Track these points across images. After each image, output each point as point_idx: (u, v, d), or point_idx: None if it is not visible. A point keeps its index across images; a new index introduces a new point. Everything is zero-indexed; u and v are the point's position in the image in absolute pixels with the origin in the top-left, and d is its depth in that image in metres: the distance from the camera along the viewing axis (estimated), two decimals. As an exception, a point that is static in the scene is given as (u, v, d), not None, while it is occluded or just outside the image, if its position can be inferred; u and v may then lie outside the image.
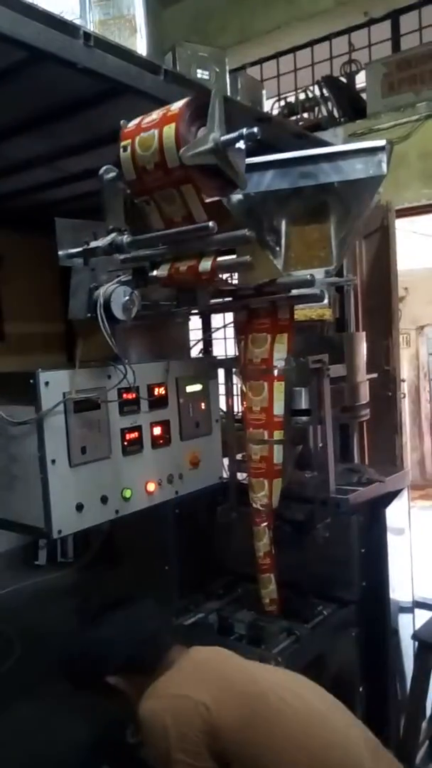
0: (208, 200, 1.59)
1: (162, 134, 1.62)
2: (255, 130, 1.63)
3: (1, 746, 2.77)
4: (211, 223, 1.53)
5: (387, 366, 3.03)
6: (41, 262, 5.19)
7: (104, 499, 1.82)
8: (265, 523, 2.03)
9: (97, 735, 2.77)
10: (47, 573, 4.88)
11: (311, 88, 4.03)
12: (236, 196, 2.15)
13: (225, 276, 1.75)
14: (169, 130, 1.62)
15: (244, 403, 2.09)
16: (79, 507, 1.75)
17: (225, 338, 4.63)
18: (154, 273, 1.79)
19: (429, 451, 8.20)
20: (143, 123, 1.69)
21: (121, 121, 1.77)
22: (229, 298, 2.08)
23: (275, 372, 1.98)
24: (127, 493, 1.89)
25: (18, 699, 3.13)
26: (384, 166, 2.17)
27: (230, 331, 4.54)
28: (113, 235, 1.68)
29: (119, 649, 1.48)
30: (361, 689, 2.08)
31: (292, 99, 4.15)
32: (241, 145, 1.64)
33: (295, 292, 1.95)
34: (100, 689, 1.50)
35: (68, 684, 1.59)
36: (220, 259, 1.69)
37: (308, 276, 1.88)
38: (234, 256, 1.89)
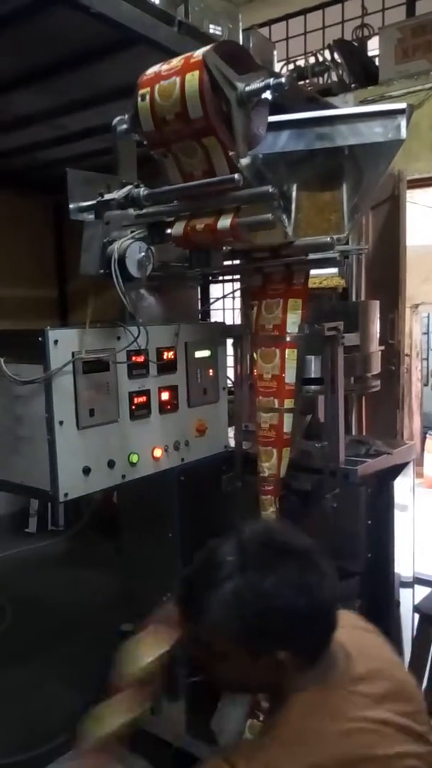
0: (232, 154, 1.52)
1: (184, 82, 1.54)
2: (283, 79, 1.56)
3: (-4, 712, 2.76)
4: (237, 176, 1.46)
5: (392, 340, 2.99)
6: (37, 224, 5.11)
7: (111, 464, 1.78)
8: (271, 493, 2.00)
9: (91, 701, 2.77)
10: (38, 541, 4.86)
11: (322, 52, 3.92)
12: (245, 160, 2.08)
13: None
14: (192, 78, 1.53)
15: (254, 370, 2.04)
16: (86, 470, 1.70)
17: (224, 309, 4.57)
18: (170, 231, 1.72)
19: (418, 430, 8.25)
20: (163, 71, 1.60)
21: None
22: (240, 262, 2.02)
23: (288, 339, 1.93)
24: (134, 458, 1.84)
25: (11, 665, 3.12)
26: (403, 130, 2.10)
27: (229, 303, 4.49)
28: (129, 187, 1.61)
29: (308, 627, 1.08)
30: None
31: (301, 63, 4.04)
32: (267, 95, 1.57)
33: (311, 256, 1.89)
34: (254, 658, 1.08)
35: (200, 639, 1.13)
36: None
37: (327, 239, 1.82)
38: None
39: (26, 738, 2.58)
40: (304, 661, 1.09)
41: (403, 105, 2.14)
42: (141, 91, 1.61)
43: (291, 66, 4.10)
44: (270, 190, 1.57)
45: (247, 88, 1.57)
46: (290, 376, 1.95)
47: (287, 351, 1.94)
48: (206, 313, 4.18)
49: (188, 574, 1.17)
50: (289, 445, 1.99)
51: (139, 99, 1.60)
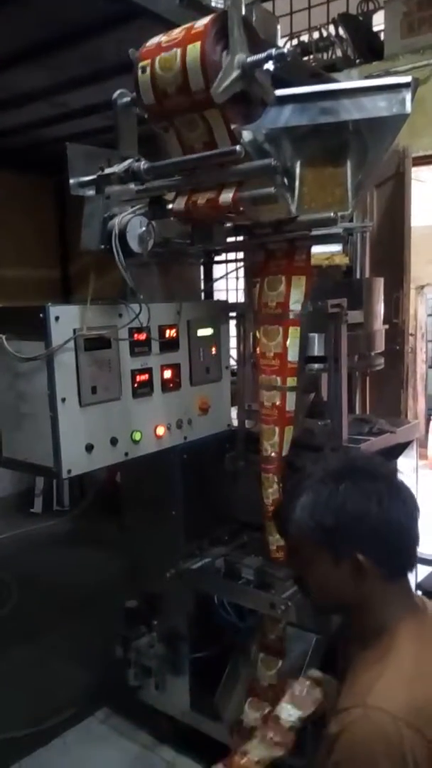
0: (234, 126, 1.49)
1: (185, 54, 1.51)
2: (285, 50, 1.53)
3: (2, 689, 2.80)
4: (238, 147, 1.44)
5: (396, 319, 2.97)
6: (39, 204, 5.09)
7: (114, 441, 1.78)
8: (273, 472, 2.00)
9: (97, 677, 2.81)
10: (43, 521, 4.90)
11: (326, 26, 3.85)
12: (247, 134, 2.05)
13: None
14: (194, 49, 1.50)
15: (257, 349, 2.03)
16: (89, 447, 1.70)
17: (227, 289, 4.55)
18: (171, 206, 1.70)
19: (422, 412, 8.23)
20: (164, 42, 1.57)
21: (130, 50, 1.63)
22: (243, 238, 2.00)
23: (291, 316, 1.92)
24: (137, 436, 1.84)
25: (17, 643, 3.16)
26: (408, 104, 2.06)
27: (232, 283, 4.47)
28: (129, 161, 1.59)
29: (390, 532, 1.14)
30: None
31: (305, 38, 3.97)
32: (269, 66, 1.54)
33: (315, 232, 1.87)
34: (336, 560, 1.14)
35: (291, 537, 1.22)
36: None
37: (331, 214, 1.80)
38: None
39: (33, 712, 2.62)
40: (386, 572, 1.15)
41: (408, 78, 2.10)
42: (141, 63, 1.59)
43: (295, 41, 4.03)
44: (272, 163, 1.55)
45: (249, 59, 1.54)
46: (293, 354, 1.93)
47: (290, 329, 1.93)
48: (209, 293, 4.17)
49: (285, 488, 1.33)
50: (292, 424, 1.98)
51: (140, 71, 1.57)
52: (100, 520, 4.48)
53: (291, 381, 1.96)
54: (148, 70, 1.56)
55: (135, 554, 2.44)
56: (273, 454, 1.99)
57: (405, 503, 1.18)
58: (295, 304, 1.91)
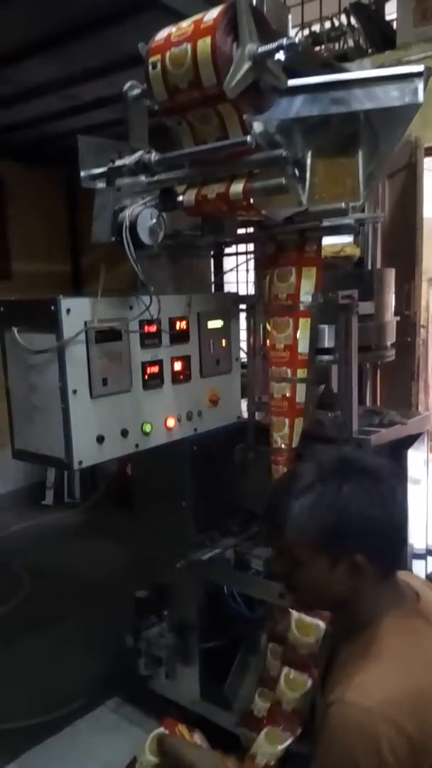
0: (246, 117, 1.49)
1: (196, 49, 1.49)
2: (296, 40, 1.52)
3: (14, 678, 2.84)
4: (249, 138, 1.44)
5: (407, 311, 2.96)
6: (50, 198, 5.11)
7: (124, 433, 1.78)
8: (283, 463, 2.00)
9: (108, 667, 2.83)
10: (54, 513, 4.94)
11: (337, 16, 3.82)
12: (258, 125, 2.04)
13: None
14: (204, 44, 1.49)
15: (267, 341, 2.03)
16: (100, 439, 1.71)
17: (237, 282, 4.54)
18: (182, 198, 1.70)
19: (434, 405, 8.19)
20: (173, 37, 1.56)
21: (140, 45, 1.62)
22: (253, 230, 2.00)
23: (301, 308, 1.91)
24: (147, 428, 1.85)
25: (29, 633, 3.20)
26: (421, 93, 2.05)
27: (242, 275, 4.46)
28: (140, 152, 1.59)
29: (385, 532, 1.15)
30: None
31: (317, 28, 3.93)
32: (280, 56, 1.53)
33: (326, 223, 1.86)
34: (333, 562, 1.14)
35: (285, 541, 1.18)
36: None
37: (342, 205, 1.79)
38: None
39: (45, 701, 2.65)
40: (380, 570, 1.15)
41: (420, 67, 2.08)
42: (152, 59, 1.57)
43: (306, 31, 4.00)
44: (283, 154, 1.54)
45: (260, 49, 1.53)
46: (303, 346, 1.93)
47: (300, 321, 1.93)
48: (219, 285, 4.17)
49: (274, 488, 1.25)
50: (302, 416, 1.98)
51: (150, 67, 1.56)
52: (111, 512, 4.52)
53: (301, 373, 1.96)
54: (159, 65, 1.55)
55: (145, 545, 2.46)
56: (283, 446, 2.00)
57: (401, 503, 1.19)
58: (306, 295, 1.90)
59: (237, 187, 1.61)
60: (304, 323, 1.93)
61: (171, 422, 1.94)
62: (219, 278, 3.42)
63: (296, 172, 2.22)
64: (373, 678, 1.05)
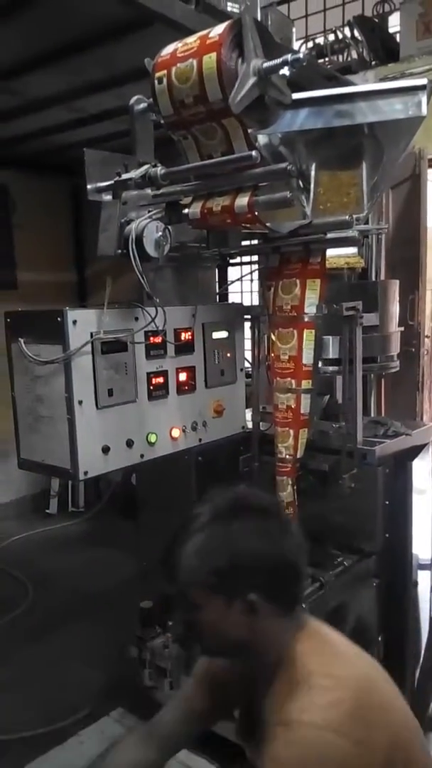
0: (250, 130, 1.50)
1: (201, 64, 1.51)
2: (300, 55, 1.54)
3: (18, 688, 2.83)
4: (254, 153, 1.45)
5: (411, 321, 2.97)
6: (55, 208, 5.14)
7: (130, 443, 1.79)
8: (288, 474, 2.01)
9: (112, 677, 2.83)
10: (59, 522, 4.94)
11: (341, 29, 3.85)
12: (263, 138, 2.06)
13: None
14: (210, 60, 1.50)
15: (272, 352, 2.04)
16: (105, 449, 1.72)
17: (242, 292, 4.56)
18: (187, 211, 1.72)
19: (438, 414, 8.17)
20: (179, 52, 1.58)
21: (146, 60, 1.64)
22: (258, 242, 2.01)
23: (305, 319, 1.92)
24: (152, 438, 1.86)
25: (33, 642, 3.20)
26: (424, 106, 2.07)
27: (247, 285, 4.47)
28: (146, 166, 1.61)
29: (276, 569, 1.12)
30: (380, 638, 2.09)
31: (320, 41, 3.97)
32: (285, 71, 1.55)
33: (330, 235, 1.88)
34: (228, 603, 1.12)
35: (176, 585, 1.17)
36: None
37: (346, 217, 1.80)
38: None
39: (49, 712, 2.65)
40: (278, 607, 1.14)
41: (423, 81, 2.09)
42: (157, 74, 1.59)
43: (310, 44, 4.04)
44: (288, 167, 1.56)
45: (265, 65, 1.55)
46: (307, 358, 1.94)
47: (305, 332, 1.94)
48: (224, 296, 4.18)
49: (168, 536, 1.22)
50: (307, 426, 1.99)
51: (156, 82, 1.58)
52: (116, 521, 4.51)
53: (306, 384, 1.97)
54: (165, 80, 1.57)
55: (150, 555, 2.46)
56: (288, 456, 2.00)
57: (294, 538, 1.17)
58: (310, 307, 1.92)
59: (242, 201, 1.62)
60: (309, 335, 1.94)
61: (176, 433, 1.95)
62: (223, 289, 3.43)
63: (300, 184, 2.25)
64: (311, 699, 1.04)
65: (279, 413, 2.01)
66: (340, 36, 3.85)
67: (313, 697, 1.04)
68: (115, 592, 3.40)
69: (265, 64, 1.55)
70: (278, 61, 1.54)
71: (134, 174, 1.61)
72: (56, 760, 2.42)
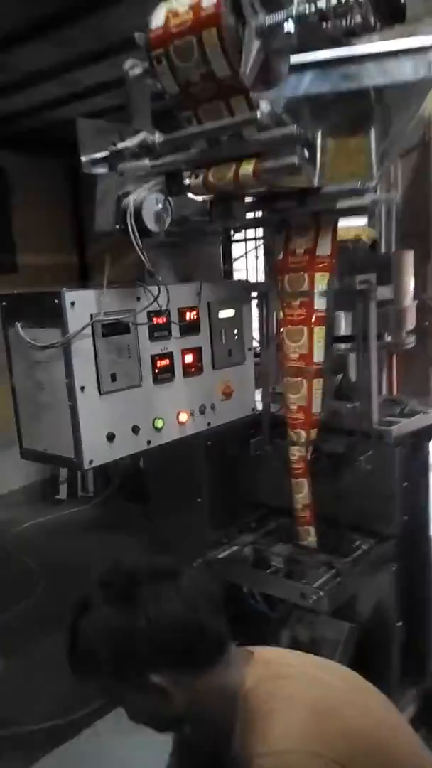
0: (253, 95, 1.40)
1: (203, 41, 1.39)
2: (307, 11, 1.43)
3: (31, 679, 2.80)
4: (258, 114, 1.35)
5: (424, 294, 2.85)
6: (54, 189, 5.02)
7: (135, 429, 1.72)
8: (303, 477, 1.91)
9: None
10: (68, 507, 4.90)
11: (344, -10, 3.68)
12: (265, 105, 1.95)
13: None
14: (210, 35, 1.37)
15: (281, 329, 1.94)
16: (110, 437, 1.65)
17: (247, 269, 4.45)
18: (189, 182, 1.62)
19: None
20: (172, 26, 1.44)
21: (136, 35, 1.50)
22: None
23: (314, 315, 1.80)
24: (159, 423, 1.78)
25: (44, 630, 3.15)
26: (437, 67, 1.95)
27: (252, 262, 4.36)
28: (143, 134, 1.50)
29: (169, 640, 1.03)
30: (399, 623, 2.03)
31: (322, 4, 3.79)
32: (289, 27, 1.44)
33: (340, 205, 1.77)
34: (137, 688, 1.05)
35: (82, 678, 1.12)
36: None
37: (357, 184, 1.70)
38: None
39: (63, 703, 2.61)
40: (195, 669, 1.05)
41: (436, 38, 1.98)
42: (155, 53, 1.46)
43: (312, 7, 3.86)
44: (295, 131, 1.46)
45: (269, 21, 1.44)
46: (318, 355, 1.83)
47: (315, 329, 1.83)
48: (229, 273, 4.07)
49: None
50: (318, 426, 1.89)
51: (156, 62, 1.46)
52: (125, 507, 4.47)
53: (317, 383, 1.85)
54: (164, 60, 1.45)
55: (161, 542, 2.40)
56: (301, 458, 1.90)
57: (190, 592, 1.06)
58: (320, 302, 1.79)
59: (247, 168, 1.52)
60: (319, 331, 1.82)
61: (183, 417, 1.87)
62: (228, 266, 3.33)
63: (306, 153, 2.13)
64: (279, 726, 0.98)
65: (291, 414, 1.89)
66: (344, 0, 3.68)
67: (278, 724, 0.98)
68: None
69: (269, 20, 1.45)
70: (282, 14, 1.44)
71: (130, 143, 1.51)
72: (72, 752, 2.39)
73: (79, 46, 2.95)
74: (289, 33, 1.47)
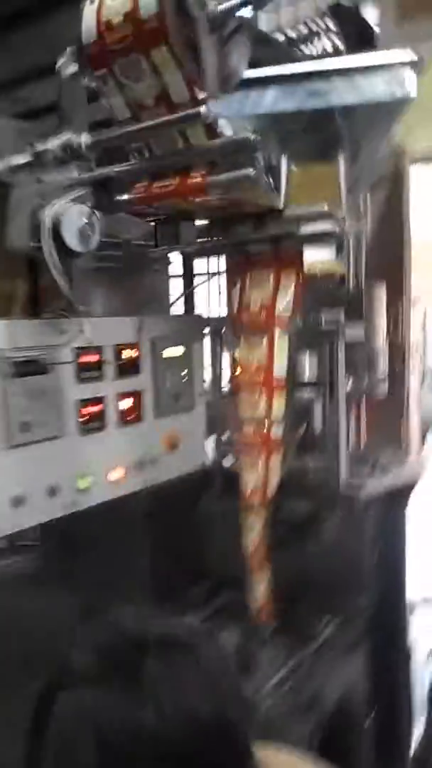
0: (189, 71, 1.15)
1: (156, 65, 1.18)
2: None
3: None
4: (203, 109, 1.10)
5: (395, 336, 2.63)
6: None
7: (53, 490, 1.41)
8: (256, 513, 1.65)
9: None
10: (4, 558, 4.48)
11: (314, 18, 3.56)
12: (228, 128, 1.73)
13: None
14: (162, 56, 1.17)
15: (237, 364, 1.69)
16: (18, 501, 1.33)
17: (209, 294, 4.18)
18: (124, 197, 1.36)
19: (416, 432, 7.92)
20: (111, 43, 1.23)
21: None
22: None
23: (277, 321, 1.58)
24: (84, 483, 1.48)
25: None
26: (413, 85, 1.75)
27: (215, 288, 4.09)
28: (67, 135, 1.23)
29: (180, 742, 0.78)
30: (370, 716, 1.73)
31: (293, 35, 3.67)
32: (246, 12, 1.22)
33: (304, 231, 1.54)
34: None
35: None
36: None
37: (324, 207, 1.47)
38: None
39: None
40: None
41: (413, 55, 1.79)
42: (98, 73, 1.24)
43: (282, 37, 3.74)
44: (251, 138, 1.21)
45: (221, 6, 1.21)
46: (279, 369, 1.60)
47: (277, 333, 1.60)
48: (190, 296, 3.78)
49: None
50: (279, 452, 1.64)
51: (88, 2, 1.24)
52: (70, 560, 4.08)
53: (278, 401, 1.61)
54: (97, 1, 1.23)
55: (93, 603, 2.06)
56: (255, 489, 1.65)
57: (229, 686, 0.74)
58: (284, 307, 1.57)
59: (195, 180, 1.26)
60: (281, 342, 1.59)
61: (116, 474, 1.57)
62: (190, 289, 3.07)
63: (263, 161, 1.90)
64: None
65: (244, 438, 1.65)
66: (314, 28, 3.55)
67: None
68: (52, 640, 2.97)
69: (221, 6, 1.21)
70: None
71: (52, 145, 1.23)
72: None
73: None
74: (245, 18, 1.23)
